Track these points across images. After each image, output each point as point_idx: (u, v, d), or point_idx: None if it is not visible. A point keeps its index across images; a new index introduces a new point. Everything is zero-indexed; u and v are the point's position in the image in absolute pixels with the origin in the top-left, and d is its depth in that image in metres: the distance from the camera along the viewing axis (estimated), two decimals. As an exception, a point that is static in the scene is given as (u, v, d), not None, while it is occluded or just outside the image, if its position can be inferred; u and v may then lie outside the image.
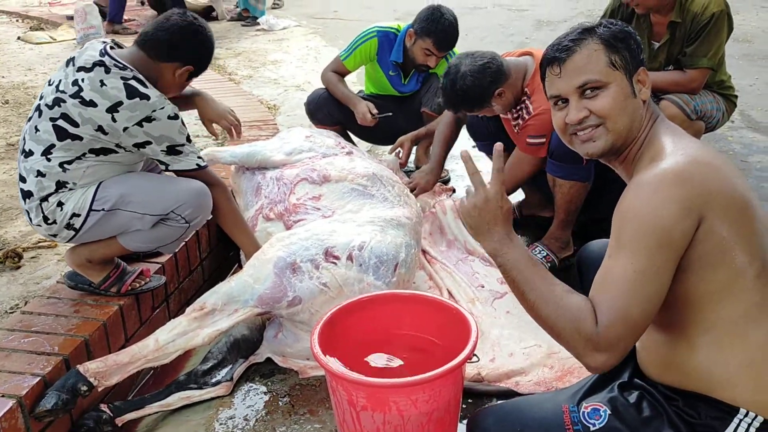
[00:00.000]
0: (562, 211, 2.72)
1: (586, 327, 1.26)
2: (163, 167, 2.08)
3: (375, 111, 3.36)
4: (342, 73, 3.53)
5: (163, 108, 1.97)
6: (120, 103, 1.93)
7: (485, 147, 3.11)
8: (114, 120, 1.93)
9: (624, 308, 1.25)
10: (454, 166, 3.65)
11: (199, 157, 2.10)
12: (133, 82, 1.95)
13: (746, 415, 1.30)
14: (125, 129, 1.94)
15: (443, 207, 3.00)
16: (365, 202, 2.43)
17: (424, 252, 2.75)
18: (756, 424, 1.30)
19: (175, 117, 2.00)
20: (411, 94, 3.54)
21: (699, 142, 1.40)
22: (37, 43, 6.42)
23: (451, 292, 2.50)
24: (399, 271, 2.20)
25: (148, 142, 1.98)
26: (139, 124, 1.94)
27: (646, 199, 1.28)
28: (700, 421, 1.33)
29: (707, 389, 1.34)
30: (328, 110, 3.51)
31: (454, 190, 3.36)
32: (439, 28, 3.19)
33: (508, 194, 3.04)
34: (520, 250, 1.38)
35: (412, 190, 3.10)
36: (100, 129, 1.95)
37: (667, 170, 1.30)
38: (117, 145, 1.99)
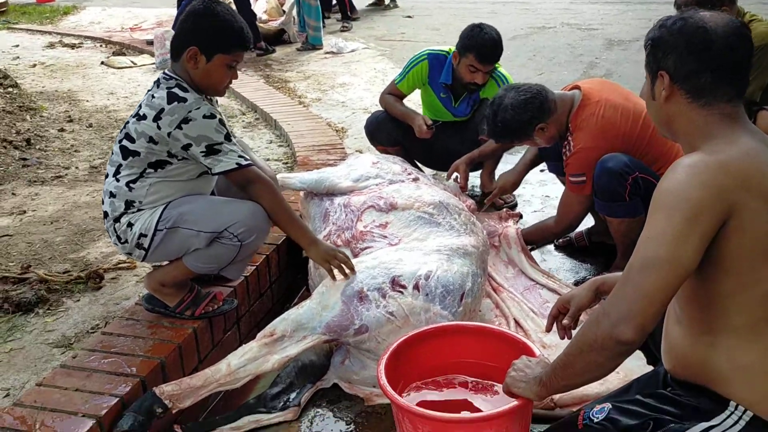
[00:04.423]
0: (620, 244, 2.70)
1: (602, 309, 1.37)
2: (209, 172, 2.09)
3: (429, 122, 3.41)
4: (398, 96, 3.59)
5: (198, 108, 2.02)
6: (162, 110, 2.02)
7: (555, 168, 3.07)
8: (159, 128, 2.02)
9: (635, 263, 1.32)
10: (521, 191, 3.61)
11: (241, 156, 2.08)
12: (175, 89, 2.05)
13: (737, 408, 1.36)
14: (169, 134, 2.02)
15: (507, 240, 2.98)
16: (431, 230, 2.43)
17: (490, 279, 2.74)
18: (746, 417, 1.35)
19: (212, 116, 2.04)
20: (465, 120, 3.56)
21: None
22: (119, 68, 6.74)
23: (519, 322, 2.47)
24: (465, 300, 2.20)
25: (190, 145, 2.03)
26: (179, 126, 2.01)
27: (682, 176, 1.31)
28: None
29: (714, 383, 1.38)
30: (387, 131, 3.57)
31: (521, 216, 3.34)
32: (479, 42, 3.22)
33: (564, 234, 3.05)
34: (541, 376, 1.55)
35: (499, 190, 3.17)
36: (151, 140, 2.04)
37: (712, 157, 1.32)
38: (169, 154, 2.07)
